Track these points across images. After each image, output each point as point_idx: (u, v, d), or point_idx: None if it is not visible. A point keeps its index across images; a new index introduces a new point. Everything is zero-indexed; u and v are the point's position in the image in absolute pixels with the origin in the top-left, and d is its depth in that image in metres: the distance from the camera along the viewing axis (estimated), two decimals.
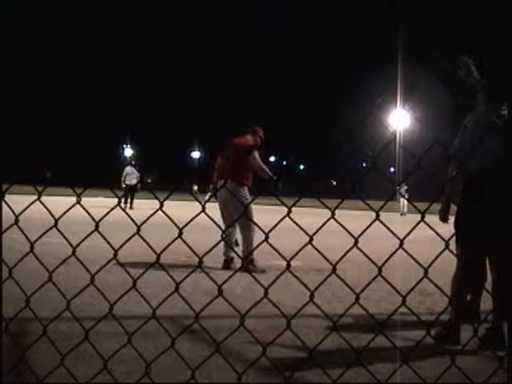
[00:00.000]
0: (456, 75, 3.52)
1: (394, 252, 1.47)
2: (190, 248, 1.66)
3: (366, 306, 1.67)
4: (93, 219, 1.65)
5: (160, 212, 1.56)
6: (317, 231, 1.49)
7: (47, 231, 1.75)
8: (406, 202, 23.88)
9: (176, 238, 1.59)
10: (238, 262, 6.32)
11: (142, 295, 1.75)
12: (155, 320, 1.75)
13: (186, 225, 1.57)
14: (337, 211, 1.46)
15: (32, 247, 1.70)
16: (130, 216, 1.71)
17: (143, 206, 16.98)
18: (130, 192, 20.11)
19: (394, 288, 1.53)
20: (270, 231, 1.53)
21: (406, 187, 24.97)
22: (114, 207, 1.64)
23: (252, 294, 4.62)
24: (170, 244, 1.69)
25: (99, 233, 1.64)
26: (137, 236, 1.61)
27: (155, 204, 1.52)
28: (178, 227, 1.59)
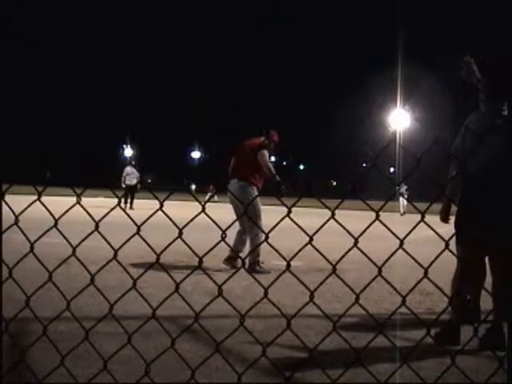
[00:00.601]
0: (458, 75, 3.52)
1: (394, 252, 1.47)
2: (190, 248, 1.66)
3: (366, 306, 1.67)
4: (93, 219, 1.65)
5: (160, 212, 1.56)
6: (317, 231, 1.49)
7: (47, 231, 1.75)
8: (405, 201, 23.90)
9: (176, 238, 1.59)
10: (239, 262, 6.32)
11: (142, 295, 1.75)
12: (155, 320, 1.75)
13: (186, 225, 1.57)
14: (337, 211, 1.46)
15: (32, 247, 1.70)
16: (129, 216, 1.71)
17: (143, 206, 16.98)
18: (130, 192, 20.10)
19: (394, 288, 1.53)
20: (270, 231, 1.53)
21: (406, 187, 24.97)
22: (114, 207, 1.64)
23: (252, 294, 4.61)
24: (170, 244, 1.69)
25: (99, 233, 1.64)
26: (137, 236, 1.61)
27: (155, 204, 1.52)
28: (177, 227, 1.59)
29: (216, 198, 26.14)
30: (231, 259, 6.26)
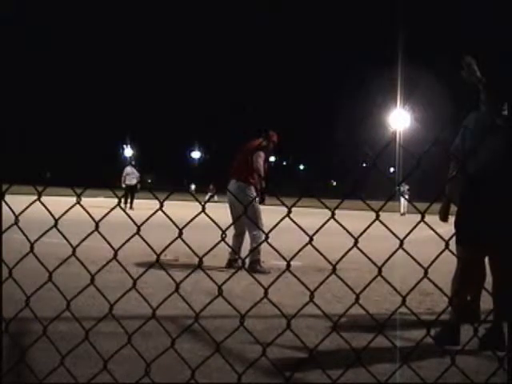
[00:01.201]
0: (458, 75, 3.52)
1: (394, 252, 1.47)
2: (190, 248, 1.66)
3: (366, 306, 1.67)
4: (93, 219, 1.65)
5: (160, 212, 1.56)
6: (317, 231, 1.49)
7: (47, 231, 1.75)
8: (405, 202, 23.89)
9: (176, 238, 1.59)
10: (239, 262, 6.32)
11: (142, 295, 1.75)
12: (155, 320, 1.75)
13: (186, 225, 1.57)
14: (337, 211, 1.46)
15: (32, 247, 1.70)
16: (129, 216, 1.71)
17: (143, 206, 16.98)
18: (130, 192, 20.10)
19: (394, 288, 1.53)
20: (270, 231, 1.53)
21: (407, 187, 24.96)
22: (114, 207, 1.64)
23: (252, 294, 4.61)
24: (170, 244, 1.69)
25: (99, 233, 1.64)
26: (137, 236, 1.61)
27: (155, 204, 1.52)
28: (177, 227, 1.59)
29: (216, 197, 26.12)
30: (231, 262, 6.28)
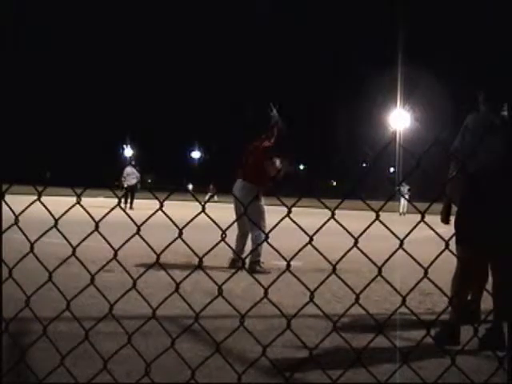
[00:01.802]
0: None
1: (394, 252, 1.47)
2: (190, 248, 1.66)
3: (366, 306, 1.67)
4: (93, 219, 1.65)
5: (160, 212, 1.56)
6: (317, 231, 1.49)
7: (47, 231, 1.75)
8: (406, 202, 23.88)
9: (176, 238, 1.59)
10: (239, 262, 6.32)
11: (142, 295, 1.75)
12: (155, 320, 1.75)
13: (186, 225, 1.57)
14: (337, 211, 1.46)
15: (32, 247, 1.70)
16: (129, 216, 1.71)
17: (143, 206, 16.98)
18: (130, 192, 20.11)
19: (394, 288, 1.53)
20: (270, 231, 1.53)
21: (408, 187, 24.96)
22: (114, 207, 1.64)
23: (252, 294, 4.61)
24: (170, 244, 1.69)
25: (99, 233, 1.64)
26: (137, 236, 1.61)
27: (155, 204, 1.52)
28: (177, 227, 1.59)
29: (216, 197, 26.14)
30: (234, 261, 6.28)
